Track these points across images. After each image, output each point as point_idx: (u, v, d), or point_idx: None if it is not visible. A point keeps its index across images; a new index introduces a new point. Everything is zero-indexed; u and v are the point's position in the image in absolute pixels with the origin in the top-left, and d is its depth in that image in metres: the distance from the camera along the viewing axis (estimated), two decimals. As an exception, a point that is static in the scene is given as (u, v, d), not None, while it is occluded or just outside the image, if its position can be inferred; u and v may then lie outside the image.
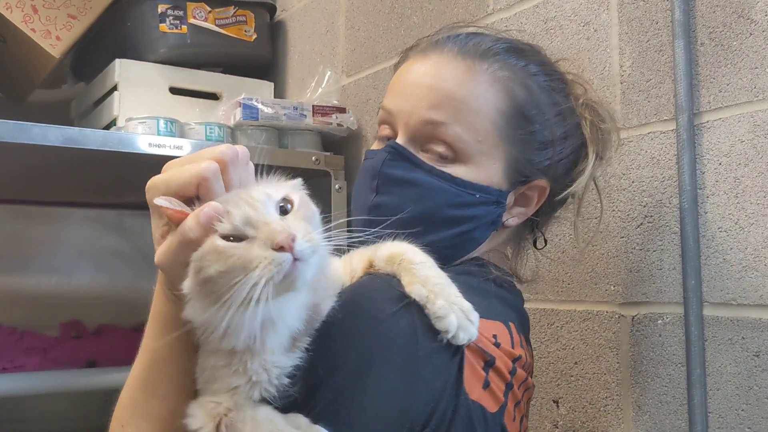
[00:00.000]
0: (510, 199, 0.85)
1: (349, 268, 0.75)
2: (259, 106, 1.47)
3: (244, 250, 0.58)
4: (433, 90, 0.82)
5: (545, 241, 0.96)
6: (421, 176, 0.82)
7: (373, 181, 0.84)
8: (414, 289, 0.68)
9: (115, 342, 1.87)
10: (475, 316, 0.69)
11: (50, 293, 1.94)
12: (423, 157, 0.83)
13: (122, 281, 2.05)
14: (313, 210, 0.65)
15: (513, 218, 0.87)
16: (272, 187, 0.65)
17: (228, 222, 0.60)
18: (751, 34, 0.90)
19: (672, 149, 0.97)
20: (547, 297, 1.14)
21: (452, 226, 0.83)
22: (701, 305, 0.93)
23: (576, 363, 1.09)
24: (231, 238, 0.59)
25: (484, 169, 0.82)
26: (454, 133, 0.81)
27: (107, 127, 1.62)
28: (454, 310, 0.67)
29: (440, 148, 0.82)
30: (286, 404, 0.64)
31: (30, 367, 1.66)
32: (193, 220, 0.60)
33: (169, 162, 0.66)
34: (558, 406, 1.11)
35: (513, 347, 0.77)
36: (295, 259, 0.58)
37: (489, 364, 0.73)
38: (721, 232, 0.92)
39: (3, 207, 1.86)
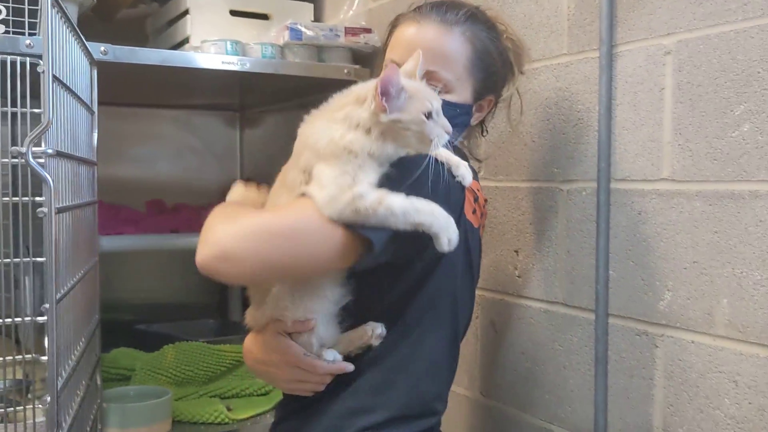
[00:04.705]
0: (473, 109, 1.29)
1: None
2: (303, 29, 1.87)
3: None
4: (429, 49, 1.21)
5: (486, 130, 1.43)
6: None
7: None
8: (444, 157, 1.15)
9: (191, 216, 2.35)
10: (470, 174, 1.17)
11: (138, 178, 2.43)
12: None
13: (192, 169, 2.53)
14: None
15: (474, 120, 1.32)
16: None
17: None
18: (649, -10, 1.27)
19: (597, 71, 1.37)
20: (513, 178, 1.57)
21: None
22: (609, 181, 1.35)
23: (531, 224, 1.53)
24: None
25: (461, 94, 1.27)
26: (444, 76, 1.24)
27: (180, 44, 2.03)
28: (463, 167, 1.16)
29: (436, 85, 1.23)
30: None
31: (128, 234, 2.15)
32: None
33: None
34: (518, 254, 1.56)
35: (481, 192, 1.28)
36: None
37: (475, 200, 1.23)
38: (623, 130, 1.33)
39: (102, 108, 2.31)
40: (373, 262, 1.08)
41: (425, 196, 1.07)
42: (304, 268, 1.10)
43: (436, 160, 1.12)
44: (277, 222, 1.07)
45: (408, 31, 1.28)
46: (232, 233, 1.03)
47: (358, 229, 1.04)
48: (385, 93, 1.05)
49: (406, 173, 1.09)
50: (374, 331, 1.17)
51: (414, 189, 1.07)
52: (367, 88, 1.10)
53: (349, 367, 1.18)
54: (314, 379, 1.17)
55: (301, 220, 1.06)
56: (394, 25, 1.33)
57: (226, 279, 1.06)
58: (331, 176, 1.05)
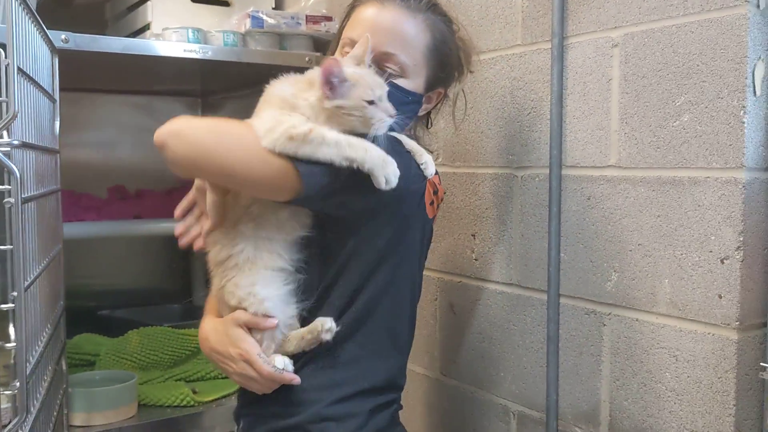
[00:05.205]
0: (423, 99, 1.33)
1: None
2: (264, 17, 1.89)
3: None
4: (390, 31, 1.26)
5: (432, 122, 1.47)
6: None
7: None
8: (410, 147, 1.23)
9: (153, 202, 2.36)
10: (433, 164, 1.26)
11: (99, 164, 2.42)
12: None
13: (154, 155, 2.52)
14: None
15: (422, 110, 1.36)
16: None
17: None
18: (598, -16, 1.33)
19: (550, 61, 1.42)
20: (470, 164, 1.62)
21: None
22: (560, 167, 1.40)
23: (487, 208, 1.58)
24: None
25: (414, 82, 1.30)
26: (401, 60, 1.26)
27: (140, 30, 2.03)
28: (426, 156, 1.24)
29: (392, 68, 1.27)
30: None
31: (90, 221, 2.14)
32: None
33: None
34: (474, 238, 1.62)
35: (441, 185, 1.32)
36: None
37: (434, 192, 1.28)
38: (574, 119, 1.38)
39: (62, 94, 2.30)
40: (311, 196, 1.13)
41: None
42: (237, 174, 1.14)
43: (408, 154, 1.21)
44: (225, 124, 1.18)
45: (369, 12, 1.29)
46: (188, 120, 1.15)
47: (293, 162, 1.10)
48: (327, 82, 1.12)
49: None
50: (324, 326, 1.19)
51: None
52: (317, 73, 1.16)
53: (296, 379, 1.20)
54: (262, 381, 1.20)
55: (244, 132, 1.14)
56: (353, 5, 1.35)
57: (170, 158, 1.14)
58: (272, 115, 1.15)
